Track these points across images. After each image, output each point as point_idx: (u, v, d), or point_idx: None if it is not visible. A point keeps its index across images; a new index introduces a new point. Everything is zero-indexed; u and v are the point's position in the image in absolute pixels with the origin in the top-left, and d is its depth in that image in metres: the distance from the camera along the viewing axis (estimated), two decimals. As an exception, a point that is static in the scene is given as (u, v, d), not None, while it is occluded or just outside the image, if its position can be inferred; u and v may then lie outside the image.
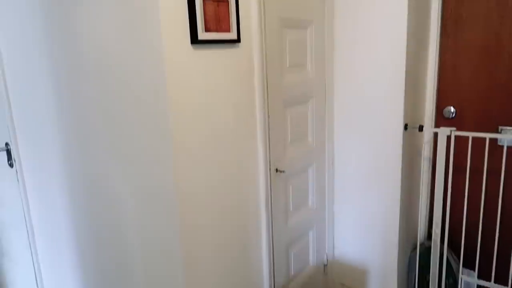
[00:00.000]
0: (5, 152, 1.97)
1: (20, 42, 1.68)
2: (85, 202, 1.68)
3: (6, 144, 1.95)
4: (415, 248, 2.34)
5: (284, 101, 1.85)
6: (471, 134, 1.90)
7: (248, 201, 1.70)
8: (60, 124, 1.66)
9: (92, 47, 1.43)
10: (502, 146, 2.16)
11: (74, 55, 1.49)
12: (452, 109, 2.28)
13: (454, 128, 1.93)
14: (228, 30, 1.45)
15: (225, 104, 1.52)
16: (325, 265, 2.38)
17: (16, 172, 1.94)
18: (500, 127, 2.15)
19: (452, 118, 2.28)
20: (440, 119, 2.32)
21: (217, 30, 1.40)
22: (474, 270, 2.23)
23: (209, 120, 1.46)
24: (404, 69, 1.96)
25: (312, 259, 2.25)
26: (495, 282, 2.03)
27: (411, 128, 2.12)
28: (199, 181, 1.45)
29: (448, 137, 1.96)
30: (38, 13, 1.56)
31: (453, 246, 2.29)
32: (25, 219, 2.01)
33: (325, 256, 2.38)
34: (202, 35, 1.34)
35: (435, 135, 2.27)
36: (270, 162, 1.76)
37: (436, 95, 2.30)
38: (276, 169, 1.82)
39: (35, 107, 1.73)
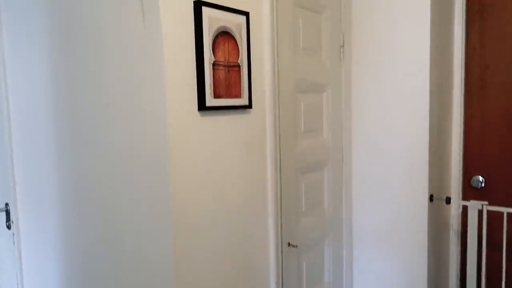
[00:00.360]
0: (4, 213, 1.88)
1: (28, 109, 1.65)
2: (80, 277, 1.54)
3: (6, 204, 1.87)
4: (446, 335, 2.06)
5: (298, 168, 1.73)
6: (506, 210, 1.71)
7: (257, 280, 1.52)
8: (60, 191, 1.57)
9: (94, 112, 1.37)
10: (541, 222, 1.95)
11: (76, 118, 1.44)
12: (481, 178, 2.11)
13: (486, 203, 1.76)
14: (239, 95, 1.37)
15: (234, 174, 1.40)
16: None
17: (13, 234, 1.84)
18: (536, 201, 1.96)
19: (481, 188, 2.11)
20: (468, 189, 2.14)
21: (227, 96, 1.33)
22: None
23: (216, 191, 1.34)
24: (427, 136, 1.84)
25: None
26: None
27: (437, 199, 1.95)
28: (202, 258, 1.30)
29: (480, 211, 1.78)
30: (47, 83, 1.54)
31: (491, 335, 2.01)
32: (17, 285, 1.87)
33: None
34: (210, 101, 1.27)
35: (465, 207, 2.08)
36: (281, 236, 1.60)
37: (463, 164, 2.14)
38: (289, 243, 1.66)
39: (38, 171, 1.66)
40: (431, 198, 1.87)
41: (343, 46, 1.99)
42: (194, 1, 1.21)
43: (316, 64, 1.84)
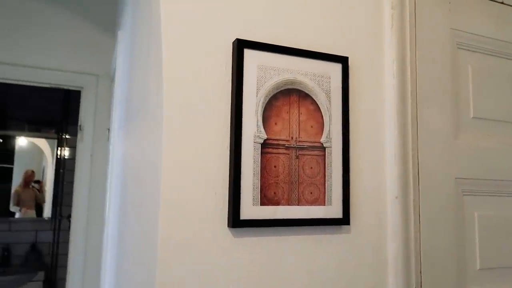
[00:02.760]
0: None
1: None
2: None
3: None
4: None
5: None
6: None
7: None
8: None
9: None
10: None
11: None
12: None
13: None
14: (320, 200, 0.75)
15: None
16: None
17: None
18: None
19: None
20: None
21: (292, 202, 0.72)
22: None
23: None
24: None
25: None
26: None
27: None
28: None
29: None
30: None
31: None
32: None
33: None
34: (253, 211, 0.69)
35: None
36: None
37: None
38: None
39: None
40: None
41: None
42: (233, 42, 0.73)
43: (508, 145, 1.02)
